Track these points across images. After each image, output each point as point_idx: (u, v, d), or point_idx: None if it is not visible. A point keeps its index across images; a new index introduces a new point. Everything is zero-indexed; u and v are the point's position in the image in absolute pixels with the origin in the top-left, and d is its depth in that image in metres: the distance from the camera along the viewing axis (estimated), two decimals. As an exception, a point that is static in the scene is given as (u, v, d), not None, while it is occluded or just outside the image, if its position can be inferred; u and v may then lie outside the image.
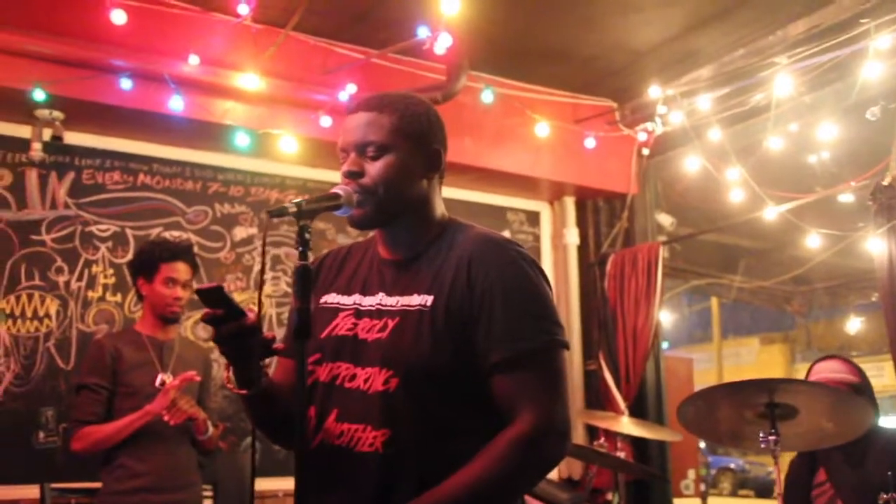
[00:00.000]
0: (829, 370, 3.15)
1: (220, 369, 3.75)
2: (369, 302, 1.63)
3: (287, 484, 1.45)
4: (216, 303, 1.43)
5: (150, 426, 3.02)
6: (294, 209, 1.43)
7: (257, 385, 1.54)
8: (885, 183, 3.70)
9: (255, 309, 1.49)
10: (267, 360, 1.58)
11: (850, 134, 4.29)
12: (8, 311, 3.93)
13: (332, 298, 1.68)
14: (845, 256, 5.22)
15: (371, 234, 1.75)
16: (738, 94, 4.46)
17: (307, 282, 1.43)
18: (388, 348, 1.54)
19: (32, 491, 3.57)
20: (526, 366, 1.51)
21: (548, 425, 1.48)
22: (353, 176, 1.58)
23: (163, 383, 3.08)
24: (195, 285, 2.97)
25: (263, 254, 1.76)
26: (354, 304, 1.65)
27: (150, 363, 3.15)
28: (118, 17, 3.67)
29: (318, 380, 1.61)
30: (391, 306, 1.59)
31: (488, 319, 1.52)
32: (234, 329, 1.44)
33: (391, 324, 1.57)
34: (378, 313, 1.60)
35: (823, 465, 3.12)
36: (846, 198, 4.38)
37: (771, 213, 4.38)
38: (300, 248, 1.43)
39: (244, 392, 1.54)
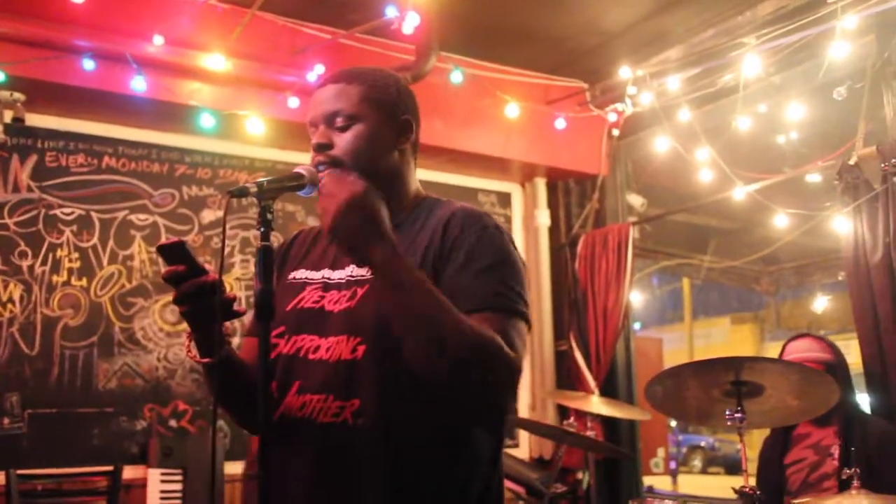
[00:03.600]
0: (803, 349, 3.17)
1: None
2: (338, 275, 1.61)
3: (256, 467, 1.42)
4: (178, 259, 1.41)
5: None
6: (255, 189, 1.40)
7: (219, 352, 1.48)
8: (851, 163, 3.73)
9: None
10: (235, 342, 1.55)
11: (818, 114, 4.32)
12: (-30, 297, 3.87)
13: (300, 274, 1.67)
14: (812, 236, 5.26)
15: None
16: (708, 75, 4.48)
17: (269, 262, 1.41)
18: (356, 315, 1.52)
19: (-2, 477, 3.55)
20: (488, 315, 1.44)
21: (510, 353, 1.40)
22: (323, 148, 1.56)
23: None
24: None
25: (224, 234, 1.73)
26: (323, 278, 1.63)
27: None
28: (78, -5, 3.60)
29: (281, 353, 1.58)
30: (361, 276, 1.56)
31: (455, 272, 1.49)
32: (196, 286, 1.41)
33: (360, 292, 1.54)
34: (347, 284, 1.58)
35: (800, 442, 3.17)
36: (813, 178, 4.40)
37: (740, 194, 4.41)
38: (262, 229, 1.41)
39: (206, 360, 1.50)
